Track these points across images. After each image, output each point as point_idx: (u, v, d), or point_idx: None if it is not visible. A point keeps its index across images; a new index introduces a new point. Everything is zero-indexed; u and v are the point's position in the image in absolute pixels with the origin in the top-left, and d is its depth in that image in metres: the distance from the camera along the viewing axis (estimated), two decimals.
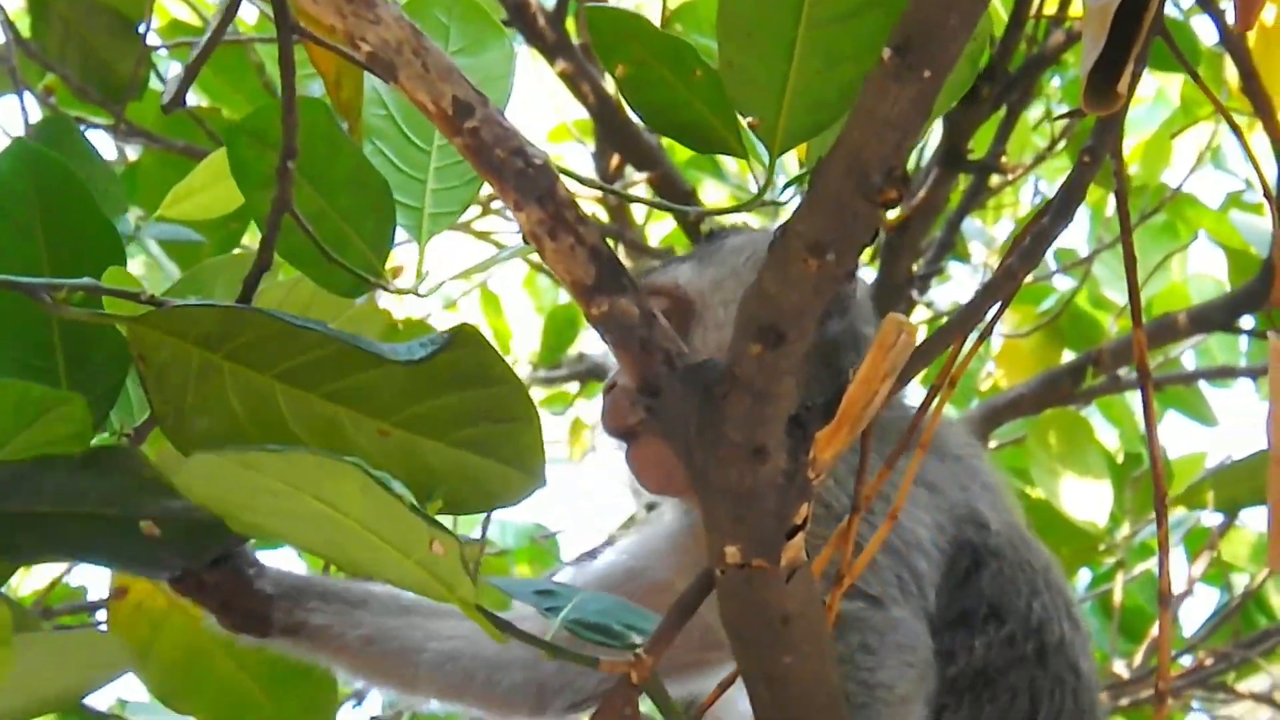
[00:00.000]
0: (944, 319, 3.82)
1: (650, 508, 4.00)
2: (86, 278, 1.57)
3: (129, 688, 3.96)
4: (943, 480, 2.09)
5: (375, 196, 1.72)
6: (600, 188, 3.10)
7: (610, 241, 2.02)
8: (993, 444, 3.89)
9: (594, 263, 1.41)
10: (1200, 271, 4.27)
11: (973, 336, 1.59)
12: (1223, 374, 3.71)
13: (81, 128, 2.85)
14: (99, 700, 3.67)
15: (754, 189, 1.71)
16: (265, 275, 1.68)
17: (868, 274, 3.13)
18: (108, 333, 1.62)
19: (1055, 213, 1.59)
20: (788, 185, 1.69)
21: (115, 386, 1.66)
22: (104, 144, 3.31)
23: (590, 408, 4.49)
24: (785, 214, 1.45)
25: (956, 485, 2.09)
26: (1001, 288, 1.60)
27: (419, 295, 1.75)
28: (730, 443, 1.40)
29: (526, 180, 1.41)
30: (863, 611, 1.87)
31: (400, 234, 1.77)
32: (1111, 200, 3.79)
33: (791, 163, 1.73)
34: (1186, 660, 3.80)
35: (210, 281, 1.89)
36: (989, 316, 1.60)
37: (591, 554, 4.06)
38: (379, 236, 1.71)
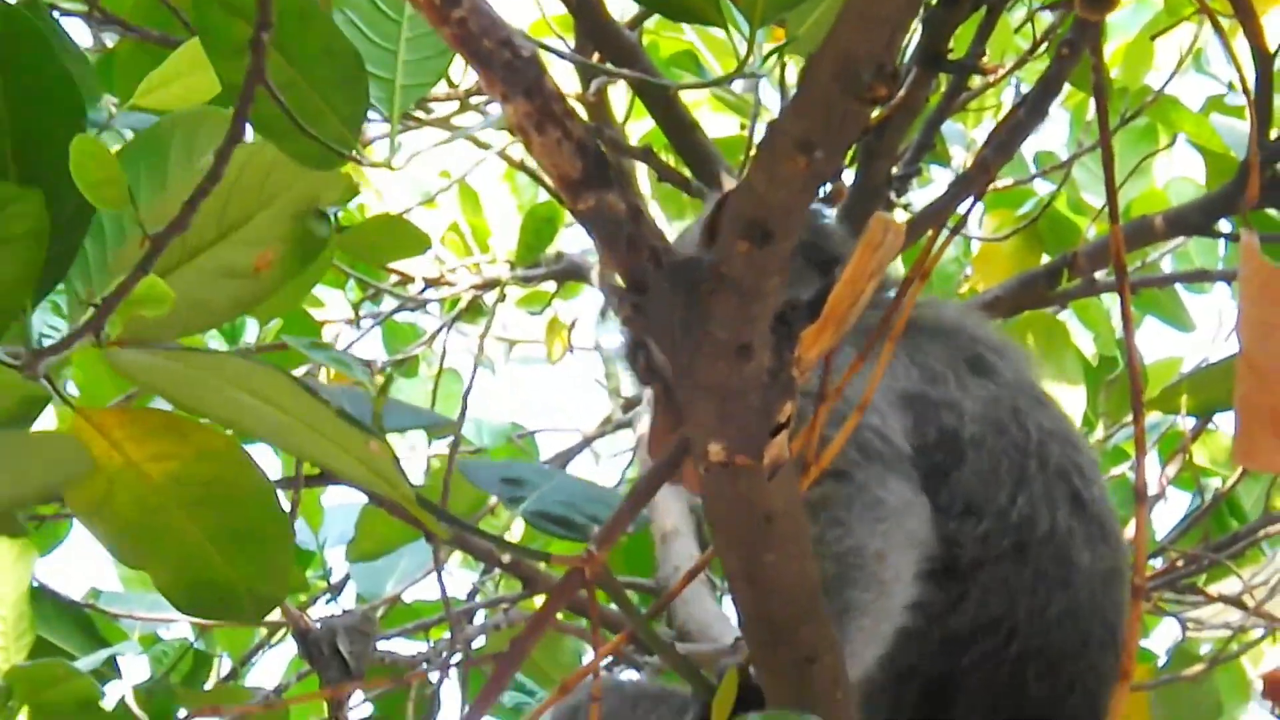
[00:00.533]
0: None
1: (628, 408, 4.01)
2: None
3: (103, 578, 3.98)
4: (918, 359, 2.07)
5: (348, 68, 1.69)
6: (584, 64, 3.08)
7: None
8: None
9: (581, 157, 1.41)
10: (1182, 175, 4.26)
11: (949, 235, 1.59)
12: (1199, 277, 3.71)
13: (56, 14, 2.82)
14: (73, 590, 3.69)
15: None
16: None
17: (846, 176, 3.11)
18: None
19: (1031, 107, 1.59)
20: (768, 56, 1.68)
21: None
22: (80, 32, 3.27)
23: (567, 307, 4.49)
24: (765, 88, 1.45)
25: (939, 362, 2.07)
26: (976, 181, 1.60)
27: (391, 169, 1.74)
28: (716, 340, 1.40)
29: (514, 72, 1.40)
30: (828, 489, 1.85)
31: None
32: (1092, 104, 3.77)
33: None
34: (1158, 564, 3.82)
35: (167, 139, 1.87)
36: (964, 210, 1.59)
37: (569, 454, 4.07)
38: (352, 108, 1.69)
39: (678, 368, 1.42)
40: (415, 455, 4.25)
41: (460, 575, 4.22)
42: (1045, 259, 3.81)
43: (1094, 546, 2.11)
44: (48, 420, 3.22)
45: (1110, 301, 3.96)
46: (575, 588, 1.46)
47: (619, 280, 1.43)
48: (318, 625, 2.60)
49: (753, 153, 1.43)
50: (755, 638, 1.50)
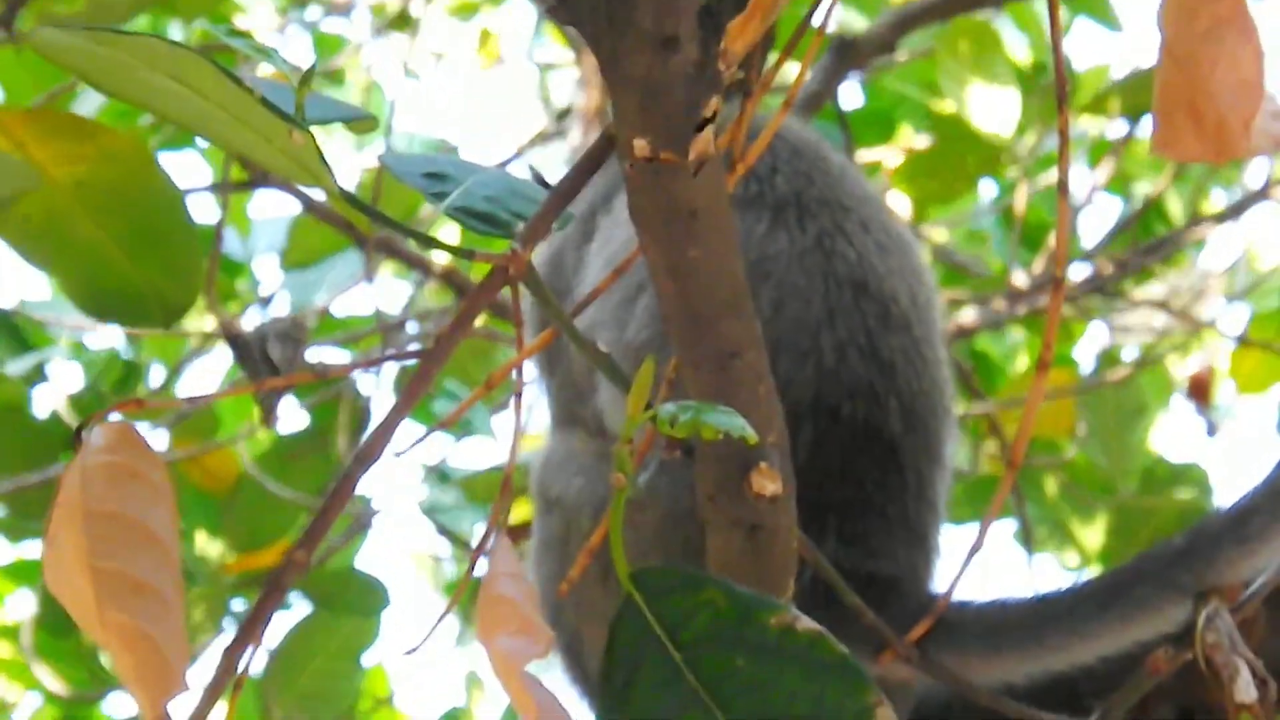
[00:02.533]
0: None
1: (561, 116, 3.98)
2: None
3: (32, 288, 3.96)
4: None
5: None
6: None
7: None
8: (901, 56, 3.87)
9: None
10: None
11: None
12: None
13: None
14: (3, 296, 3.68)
15: None
16: None
17: None
18: None
19: None
20: None
21: None
22: None
23: (497, 15, 4.41)
24: None
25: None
26: None
27: None
28: (640, 31, 1.37)
29: None
30: None
31: None
32: None
33: None
34: (1087, 272, 3.86)
35: None
36: None
37: (500, 166, 4.04)
38: None
39: (602, 61, 1.40)
40: (342, 167, 4.22)
41: (393, 287, 4.21)
42: None
43: (787, 225, 2.09)
44: None
45: (1043, 6, 3.92)
46: (499, 285, 1.45)
47: None
48: (248, 331, 2.60)
49: None
50: (678, 333, 1.50)
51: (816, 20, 1.62)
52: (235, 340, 2.61)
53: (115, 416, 1.39)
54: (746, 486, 1.51)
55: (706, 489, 1.53)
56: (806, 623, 1.40)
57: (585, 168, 1.49)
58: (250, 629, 1.39)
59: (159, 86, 1.32)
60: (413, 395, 1.45)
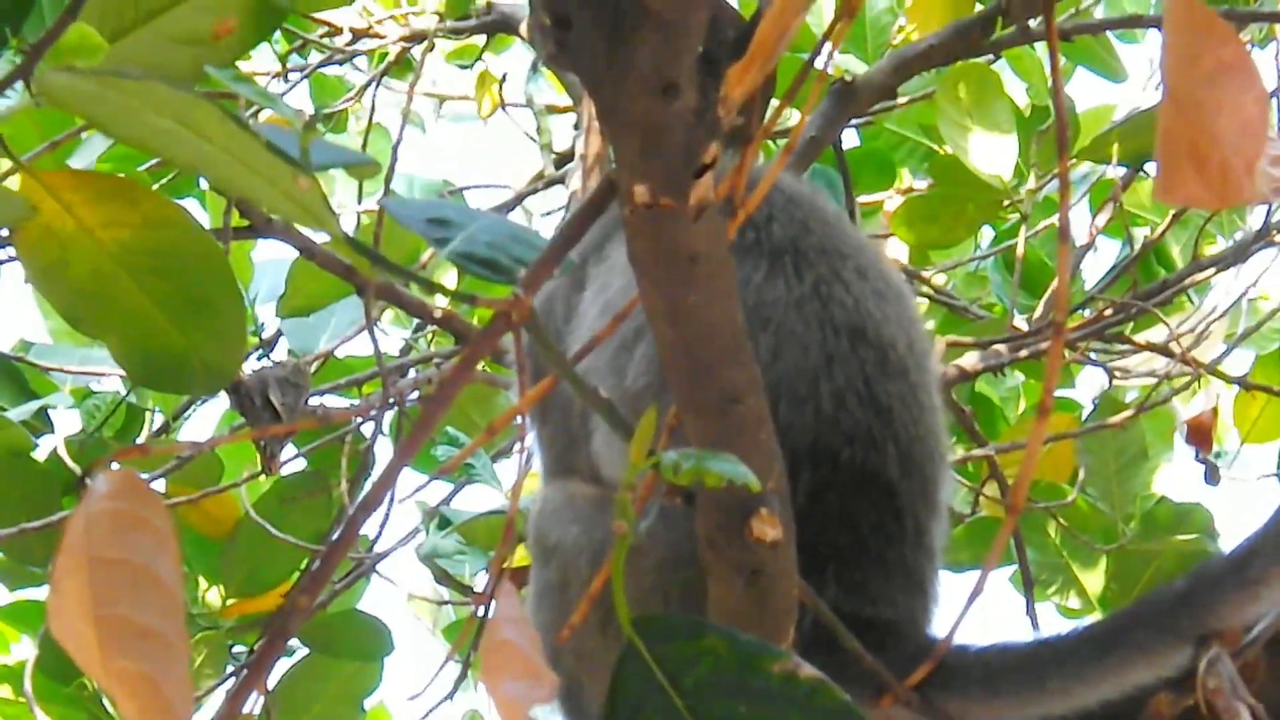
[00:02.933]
0: None
1: (560, 164, 3.98)
2: None
3: (31, 328, 3.97)
4: None
5: None
6: None
7: None
8: (901, 100, 3.88)
9: None
10: None
11: None
12: (1131, 23, 3.69)
13: None
14: (2, 341, 3.69)
15: None
16: None
17: None
18: None
19: None
20: None
21: None
22: None
23: (498, 61, 4.43)
24: None
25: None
26: None
27: None
28: (640, 77, 1.38)
29: None
30: None
31: None
32: None
33: None
34: (1087, 315, 3.86)
35: None
36: None
37: (500, 210, 4.05)
38: None
39: (602, 107, 1.41)
40: (345, 212, 4.23)
41: (393, 333, 4.22)
42: (980, 8, 3.77)
43: (784, 273, 2.11)
44: None
45: (1044, 51, 3.94)
46: (501, 331, 1.46)
47: (544, 17, 1.40)
48: (250, 377, 2.60)
49: None
50: (678, 379, 1.50)
51: (816, 65, 1.63)
52: (237, 387, 2.62)
53: (117, 464, 1.39)
54: (747, 532, 1.51)
55: (707, 535, 1.54)
56: (808, 670, 1.40)
57: (587, 213, 1.49)
58: (254, 673, 1.38)
59: (164, 130, 1.33)
60: (416, 440, 1.45)
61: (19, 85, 1.75)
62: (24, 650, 4.26)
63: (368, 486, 3.59)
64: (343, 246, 3.17)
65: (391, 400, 2.90)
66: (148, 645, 1.37)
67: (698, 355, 1.48)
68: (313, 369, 3.51)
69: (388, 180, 3.42)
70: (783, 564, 1.53)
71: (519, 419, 1.50)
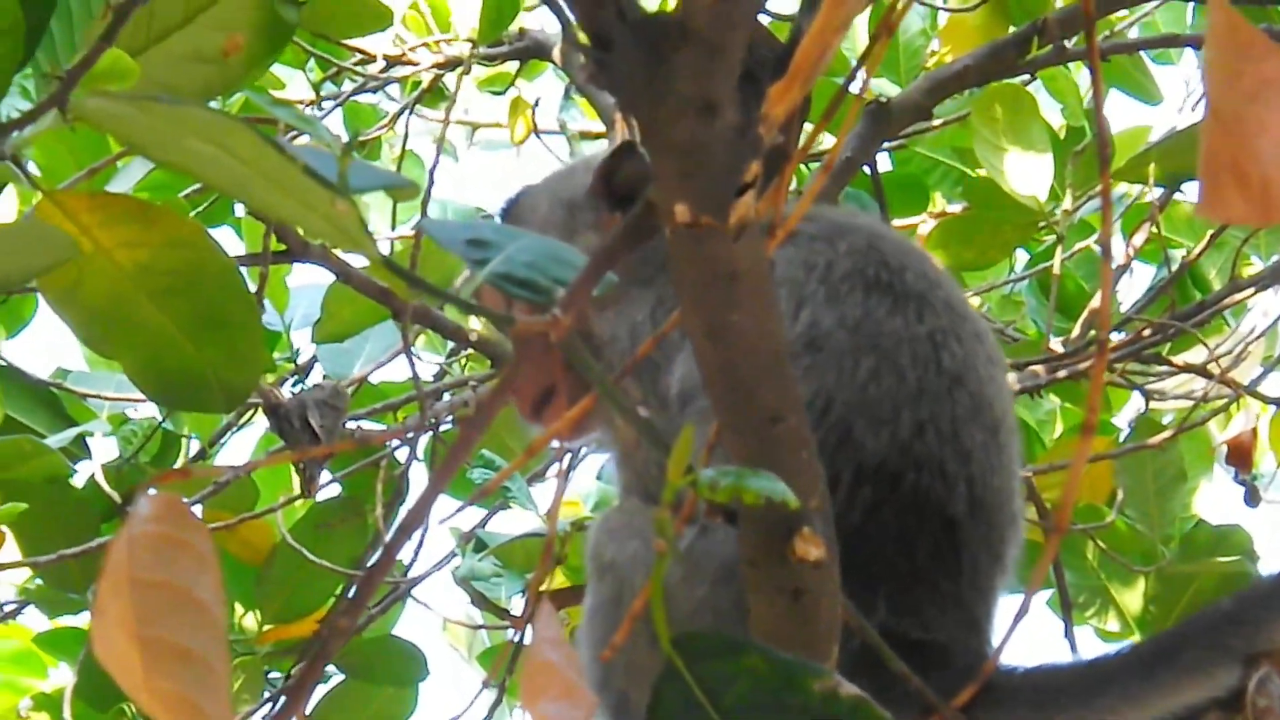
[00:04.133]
0: None
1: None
2: None
3: (68, 358, 3.98)
4: None
5: None
6: None
7: None
8: (935, 122, 3.88)
9: None
10: None
11: None
12: (1168, 42, 3.68)
13: None
14: (40, 369, 3.70)
15: None
16: None
17: None
18: None
19: None
20: None
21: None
22: None
23: (531, 88, 4.43)
24: None
25: None
26: None
27: None
28: (681, 97, 1.38)
29: None
30: None
31: None
32: None
33: None
34: (1123, 337, 3.84)
35: None
36: None
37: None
38: None
39: (643, 126, 1.40)
40: (380, 237, 4.23)
41: (427, 358, 4.22)
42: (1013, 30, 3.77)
43: (906, 313, 2.21)
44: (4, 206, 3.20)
45: (1079, 72, 3.93)
46: (540, 351, 1.45)
47: (584, 37, 1.40)
48: (288, 399, 2.61)
49: None
50: (720, 398, 1.50)
51: (852, 86, 1.62)
52: (275, 409, 2.62)
53: (157, 488, 1.39)
54: (790, 552, 1.50)
55: (749, 554, 1.53)
56: (849, 688, 1.39)
57: (628, 234, 1.49)
58: (295, 698, 1.38)
59: (203, 154, 1.33)
60: (454, 462, 1.44)
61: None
62: (62, 676, 4.26)
63: (403, 512, 3.59)
64: (380, 271, 3.18)
65: (429, 423, 2.90)
66: (189, 667, 1.37)
67: (739, 373, 1.47)
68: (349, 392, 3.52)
69: (424, 206, 3.42)
70: (826, 584, 1.53)
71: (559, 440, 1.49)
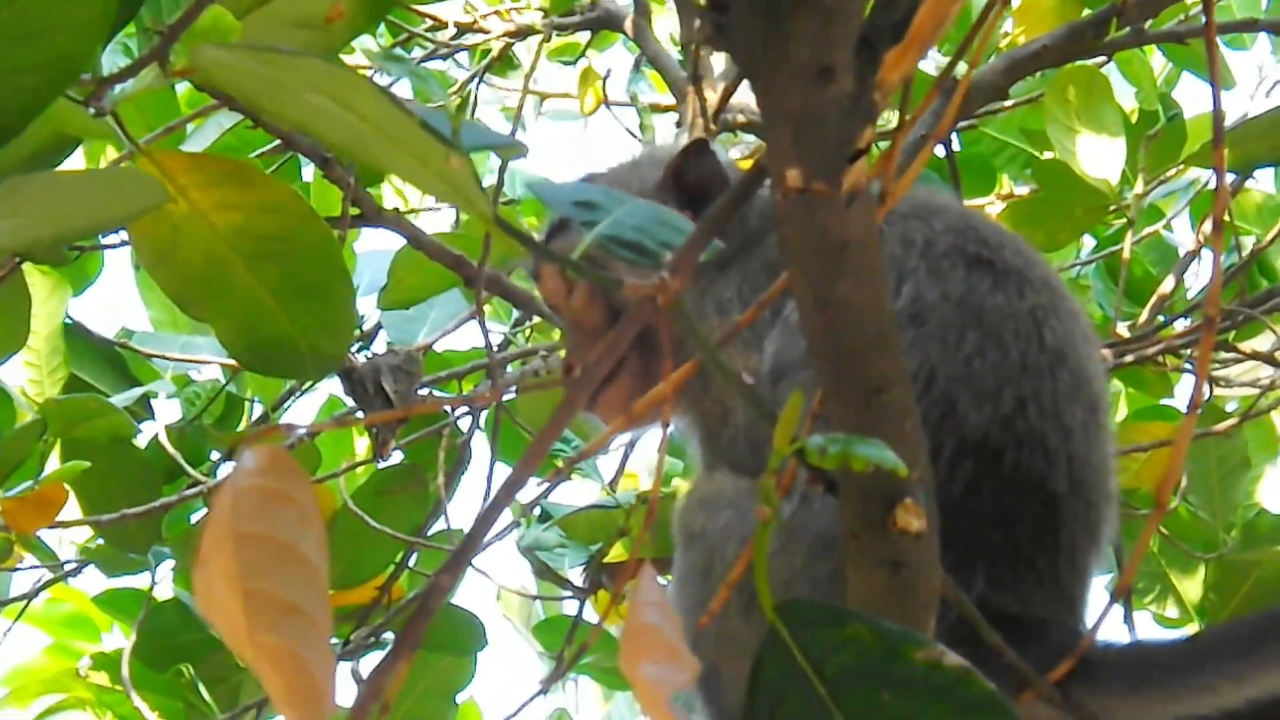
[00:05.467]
0: None
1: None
2: None
3: (133, 317, 3.99)
4: None
5: None
6: None
7: None
8: (1008, 103, 3.86)
9: None
10: None
11: None
12: (1247, 27, 3.66)
13: None
14: (106, 328, 3.71)
15: None
16: None
17: None
18: None
19: None
20: None
21: None
22: None
23: (601, 58, 4.43)
24: None
25: None
26: None
27: None
28: (797, 62, 1.37)
29: None
30: None
31: None
32: None
33: None
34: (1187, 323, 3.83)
35: None
36: None
37: None
38: None
39: (758, 90, 1.40)
40: (444, 206, 4.23)
41: (492, 327, 4.21)
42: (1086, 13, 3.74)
43: (1007, 290, 2.22)
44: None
45: (1153, 55, 3.91)
46: (647, 317, 1.45)
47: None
48: (363, 364, 2.61)
49: None
50: (825, 367, 1.49)
51: (942, 67, 1.62)
52: (349, 374, 2.62)
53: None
54: (891, 523, 1.50)
55: (850, 525, 1.53)
56: (953, 658, 1.38)
57: (736, 198, 1.48)
58: (396, 655, 1.38)
59: (321, 108, 1.33)
60: (559, 424, 1.44)
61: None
62: (114, 640, 4.28)
63: (464, 480, 3.59)
64: (452, 238, 3.18)
65: (524, 384, 2.90)
66: (293, 621, 1.37)
67: (846, 343, 1.47)
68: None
69: (500, 176, 3.42)
70: (926, 556, 1.52)
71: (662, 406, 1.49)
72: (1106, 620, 1.79)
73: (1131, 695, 1.86)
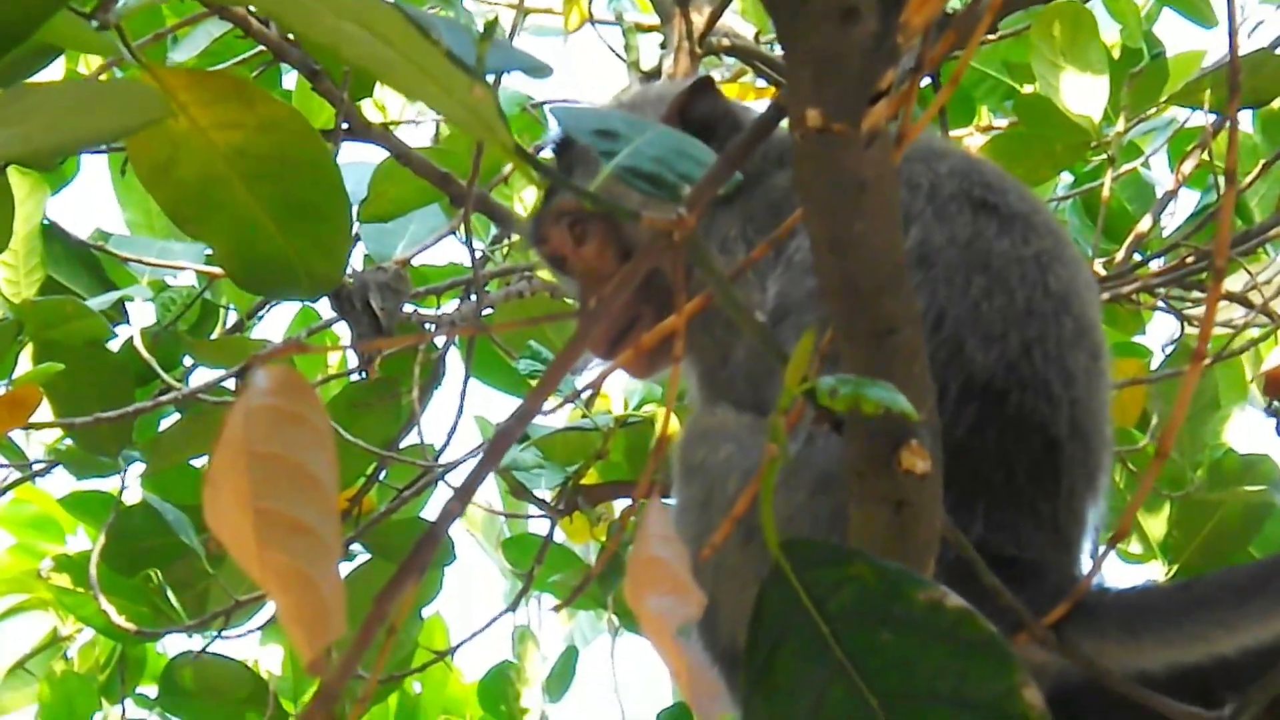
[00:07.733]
0: None
1: (647, 80, 3.96)
2: None
3: (107, 218, 3.96)
4: None
5: None
6: None
7: None
8: (992, 36, 3.86)
9: None
10: None
11: None
12: None
13: None
14: (80, 228, 3.68)
15: None
16: None
17: None
18: None
19: None
20: None
21: None
22: None
23: None
24: None
25: None
26: None
27: None
28: (821, 2, 1.37)
29: None
30: None
31: None
32: None
33: None
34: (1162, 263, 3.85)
35: None
36: None
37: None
38: None
39: (781, 30, 1.40)
40: (424, 120, 4.21)
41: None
42: None
43: (1013, 235, 2.24)
44: None
45: None
46: (663, 250, 1.45)
47: None
48: (351, 281, 2.60)
49: None
50: (838, 308, 1.50)
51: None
52: (338, 290, 2.62)
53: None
54: (896, 463, 1.51)
55: (855, 464, 1.54)
56: (954, 599, 1.40)
57: (757, 134, 1.48)
58: (404, 575, 1.39)
59: (350, 34, 1.32)
60: (573, 352, 1.45)
61: None
62: (79, 542, 4.28)
63: (435, 395, 3.59)
64: (437, 153, 3.17)
65: (543, 316, 2.90)
66: (303, 541, 1.37)
67: (859, 284, 1.47)
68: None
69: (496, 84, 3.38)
70: (929, 497, 1.53)
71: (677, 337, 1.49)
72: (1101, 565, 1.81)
73: (1125, 639, 1.88)
